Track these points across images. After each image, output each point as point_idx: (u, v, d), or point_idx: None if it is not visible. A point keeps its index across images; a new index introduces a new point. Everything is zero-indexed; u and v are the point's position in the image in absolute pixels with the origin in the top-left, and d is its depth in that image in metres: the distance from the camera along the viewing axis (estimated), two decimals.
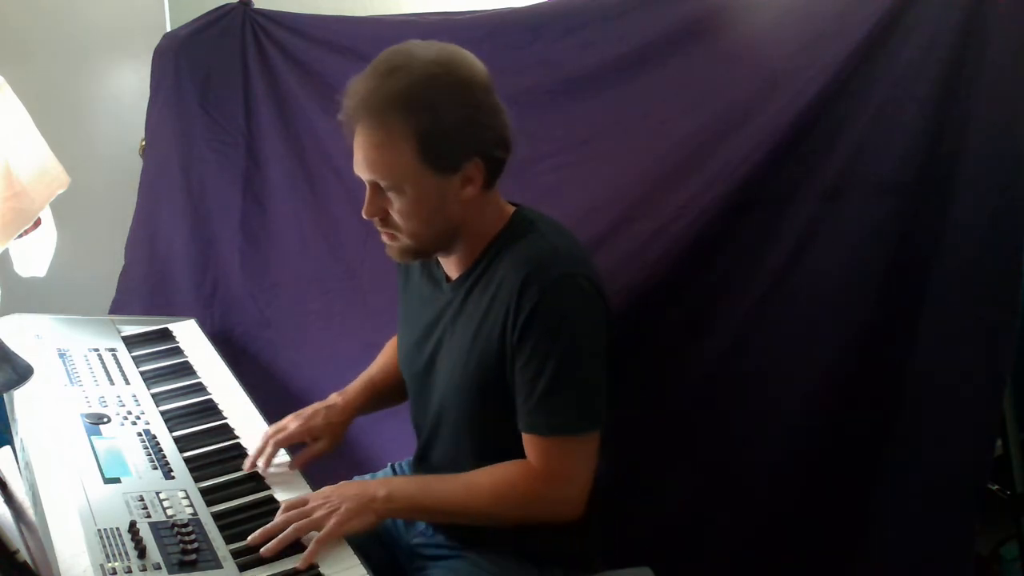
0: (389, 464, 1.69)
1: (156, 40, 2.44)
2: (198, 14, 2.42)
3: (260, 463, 1.49)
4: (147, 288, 2.40)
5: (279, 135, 2.28)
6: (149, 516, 1.33)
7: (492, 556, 1.43)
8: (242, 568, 1.26)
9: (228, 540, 1.31)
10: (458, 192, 1.32)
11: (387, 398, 1.63)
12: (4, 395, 1.67)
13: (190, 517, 1.34)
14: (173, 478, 1.45)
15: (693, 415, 1.67)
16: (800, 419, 1.59)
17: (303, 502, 1.34)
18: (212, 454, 1.56)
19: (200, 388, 1.79)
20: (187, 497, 1.39)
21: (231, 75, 2.33)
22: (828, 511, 1.59)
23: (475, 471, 1.37)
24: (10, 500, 1.36)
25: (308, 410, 1.55)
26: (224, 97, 2.34)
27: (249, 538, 1.29)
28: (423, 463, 1.53)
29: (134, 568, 1.21)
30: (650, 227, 1.65)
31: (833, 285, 1.53)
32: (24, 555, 1.15)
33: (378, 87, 1.27)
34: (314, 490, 1.46)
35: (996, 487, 1.96)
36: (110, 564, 1.21)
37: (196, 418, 1.67)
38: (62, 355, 1.82)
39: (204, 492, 1.43)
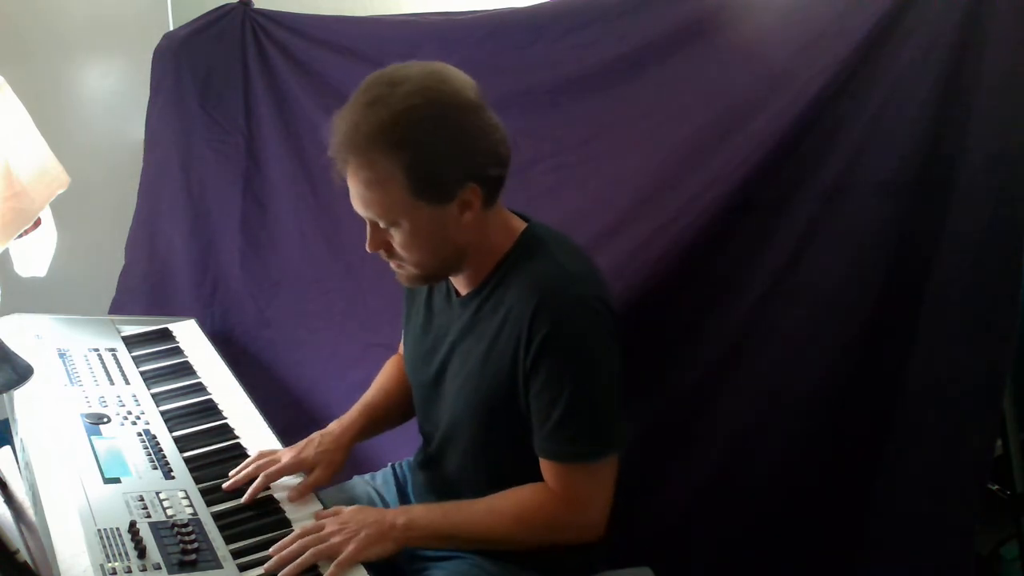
0: (389, 464, 1.69)
1: (157, 40, 2.45)
2: (200, 14, 2.42)
3: (246, 497, 1.42)
4: (147, 288, 2.41)
5: (279, 135, 2.29)
6: (149, 516, 1.33)
7: (493, 558, 1.43)
8: (242, 568, 1.26)
9: (228, 540, 1.31)
10: (457, 219, 1.29)
11: (387, 421, 1.59)
12: (4, 395, 1.66)
13: (190, 517, 1.34)
14: (173, 478, 1.45)
15: (693, 415, 1.67)
16: (800, 419, 1.59)
17: (320, 527, 1.32)
18: (212, 454, 1.56)
19: (200, 388, 1.79)
20: (187, 497, 1.39)
21: (231, 75, 2.34)
22: (828, 511, 1.59)
23: (495, 497, 1.35)
24: (10, 500, 1.36)
25: (303, 441, 1.49)
26: (224, 97, 2.34)
27: (265, 567, 1.26)
28: (430, 469, 1.52)
29: (134, 568, 1.21)
30: (650, 227, 1.65)
31: (833, 285, 1.53)
32: (24, 555, 1.15)
33: (359, 124, 1.24)
34: (318, 494, 1.46)
35: (996, 487, 1.96)
36: (110, 564, 1.21)
37: (196, 418, 1.67)
38: (62, 355, 1.82)
39: (204, 492, 1.43)
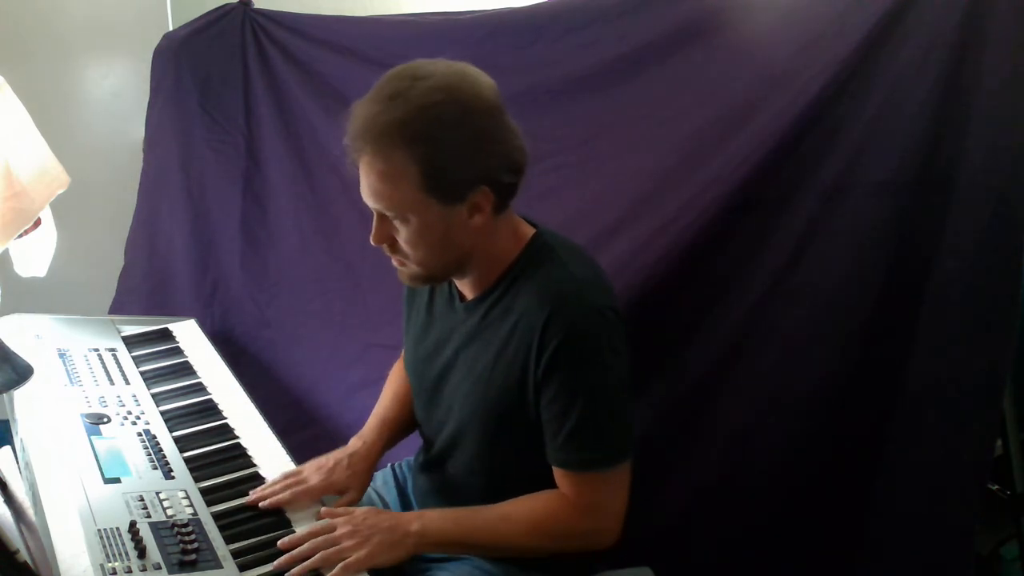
0: (389, 465, 1.69)
1: (157, 40, 2.45)
2: (200, 13, 2.42)
3: (267, 503, 1.39)
4: (147, 288, 2.40)
5: (279, 135, 2.29)
6: (149, 516, 1.33)
7: (494, 560, 1.42)
8: (242, 568, 1.26)
9: (228, 540, 1.31)
10: (466, 221, 1.28)
11: (402, 433, 1.57)
12: (4, 395, 1.66)
13: (190, 517, 1.34)
14: (173, 478, 1.45)
15: (693, 415, 1.67)
16: (800, 419, 1.59)
17: (331, 528, 1.30)
18: (212, 454, 1.56)
19: (200, 388, 1.79)
20: (187, 497, 1.39)
21: (231, 75, 2.33)
22: (828, 511, 1.59)
23: (509, 504, 1.34)
24: (10, 500, 1.36)
25: (329, 461, 1.45)
26: (224, 97, 2.34)
27: (274, 564, 1.26)
28: (432, 471, 1.51)
29: (134, 568, 1.21)
30: (650, 227, 1.65)
31: (833, 285, 1.54)
32: (24, 555, 1.15)
33: (379, 114, 1.23)
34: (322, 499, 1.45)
35: (996, 487, 1.96)
36: (110, 564, 1.21)
37: (196, 418, 1.67)
38: (62, 355, 1.82)
39: (204, 492, 1.42)
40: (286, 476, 1.44)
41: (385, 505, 1.60)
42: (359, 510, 1.35)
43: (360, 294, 2.14)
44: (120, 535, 1.27)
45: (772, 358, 1.60)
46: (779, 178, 1.56)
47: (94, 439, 1.51)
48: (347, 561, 1.24)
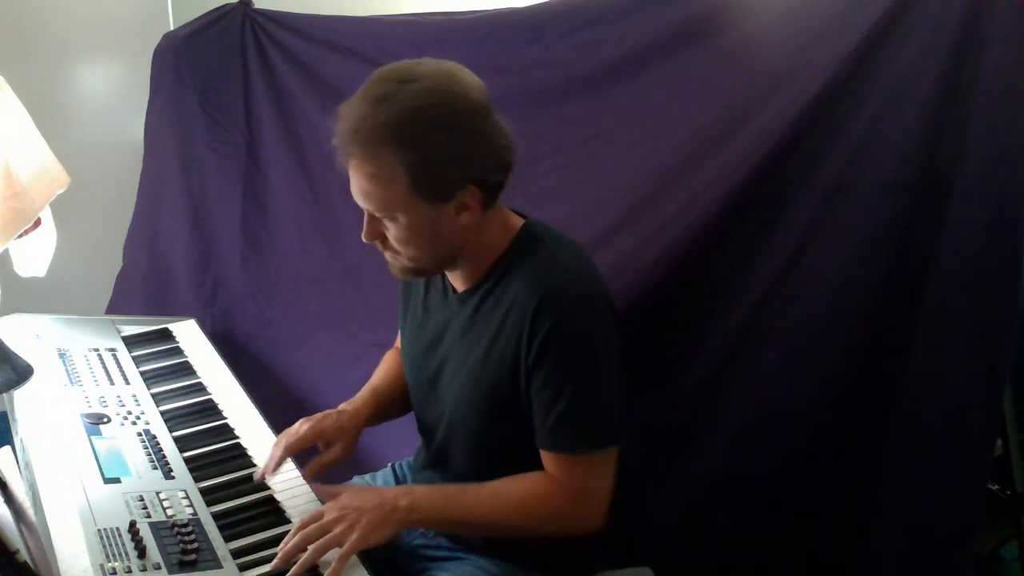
0: (389, 464, 1.69)
1: (157, 40, 2.45)
2: (200, 14, 2.42)
3: (270, 473, 1.44)
4: (147, 288, 2.41)
5: (279, 135, 2.29)
6: (149, 516, 1.33)
7: (494, 559, 1.43)
8: (242, 568, 1.26)
9: (228, 540, 1.31)
10: (453, 219, 1.29)
11: (391, 410, 1.59)
12: (4, 395, 1.66)
13: (190, 517, 1.34)
14: (173, 478, 1.45)
15: (693, 415, 1.67)
16: (800, 419, 1.59)
17: (319, 515, 1.30)
18: (212, 454, 1.56)
19: (200, 388, 1.79)
20: (187, 497, 1.39)
21: (231, 75, 2.34)
22: (828, 511, 1.59)
23: (499, 482, 1.35)
24: (10, 500, 1.36)
25: (318, 415, 1.49)
26: (224, 97, 2.34)
27: (271, 566, 1.26)
28: (432, 469, 1.52)
29: (134, 568, 1.21)
30: (650, 227, 1.65)
31: (833, 285, 1.53)
32: (24, 555, 1.15)
33: (367, 117, 1.24)
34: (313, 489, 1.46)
35: (996, 487, 1.96)
36: (110, 564, 1.21)
37: (196, 418, 1.67)
38: (62, 355, 1.82)
39: (204, 492, 1.43)
40: (280, 440, 1.47)
41: None
42: (344, 493, 1.34)
43: (360, 294, 2.14)
44: (120, 535, 1.27)
45: (772, 358, 1.60)
46: (779, 178, 1.56)
47: (94, 439, 1.52)
48: (342, 552, 1.25)
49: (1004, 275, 1.40)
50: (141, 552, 1.24)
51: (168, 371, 1.85)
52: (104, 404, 1.65)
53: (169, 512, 1.35)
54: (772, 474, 1.62)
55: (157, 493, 1.39)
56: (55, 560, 1.22)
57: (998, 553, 2.01)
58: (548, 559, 1.44)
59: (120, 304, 2.39)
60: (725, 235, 1.60)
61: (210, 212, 2.37)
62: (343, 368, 2.12)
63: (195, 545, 1.27)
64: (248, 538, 1.33)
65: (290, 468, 1.48)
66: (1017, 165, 1.37)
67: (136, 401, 1.69)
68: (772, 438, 1.61)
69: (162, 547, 1.26)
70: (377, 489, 1.40)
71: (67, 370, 1.76)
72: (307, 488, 1.45)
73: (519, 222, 1.39)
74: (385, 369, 1.63)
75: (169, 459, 1.50)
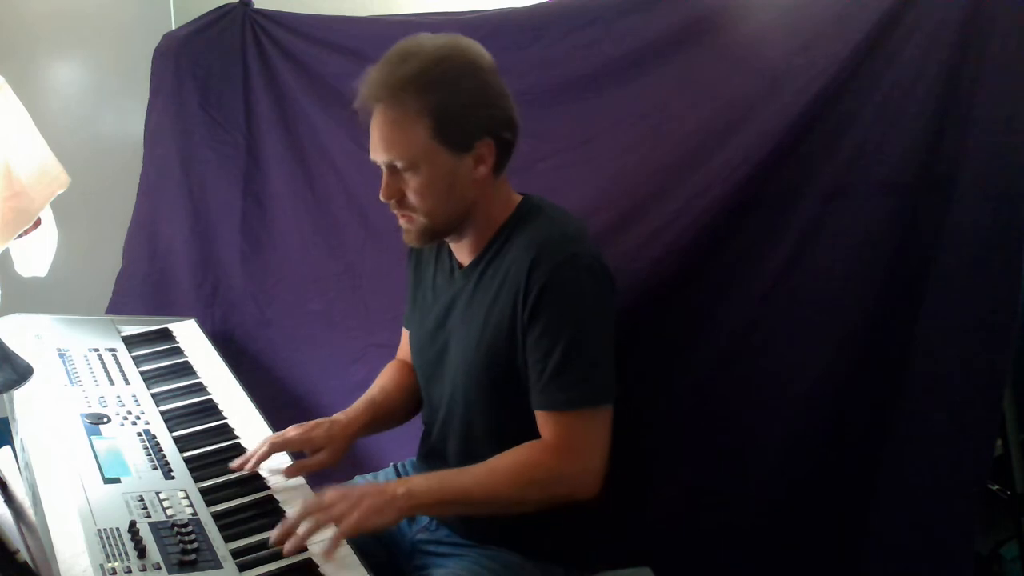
0: (391, 464, 1.69)
1: (157, 40, 2.45)
2: (200, 14, 2.42)
3: (250, 464, 1.47)
4: (147, 288, 2.41)
5: (279, 135, 2.29)
6: (149, 516, 1.33)
7: (494, 552, 1.43)
8: (242, 568, 1.26)
9: (228, 540, 1.31)
10: (471, 171, 1.36)
11: (388, 420, 1.60)
12: (4, 395, 1.66)
13: (190, 517, 1.34)
14: (173, 478, 1.45)
15: (693, 415, 1.67)
16: (800, 419, 1.59)
17: (321, 499, 1.31)
18: (212, 454, 1.56)
19: (200, 388, 1.79)
20: (187, 497, 1.40)
21: (231, 75, 2.33)
22: (828, 511, 1.59)
23: (493, 459, 1.37)
24: (10, 500, 1.36)
25: (309, 423, 1.51)
26: (224, 97, 2.34)
27: (272, 539, 1.28)
28: (431, 458, 1.53)
29: (134, 568, 1.21)
30: (650, 227, 1.65)
31: (833, 285, 1.53)
32: (24, 555, 1.15)
33: (393, 71, 1.33)
34: (313, 489, 1.46)
35: (996, 487, 1.96)
36: (110, 564, 1.21)
37: (196, 418, 1.67)
38: (62, 355, 1.82)
39: (204, 492, 1.43)
40: (267, 439, 1.49)
41: None
42: (347, 485, 1.37)
43: (360, 294, 2.14)
44: (120, 535, 1.27)
45: (772, 358, 1.59)
46: (779, 178, 1.56)
47: (94, 439, 1.52)
48: (337, 531, 1.26)
49: (1004, 275, 1.40)
50: (141, 552, 1.24)
51: (168, 371, 1.85)
52: (104, 404, 1.65)
53: (169, 512, 1.35)
54: (772, 474, 1.62)
55: (157, 493, 1.39)
56: (55, 560, 1.22)
57: (998, 553, 2.01)
58: (548, 555, 1.44)
59: (120, 304, 2.40)
60: (725, 235, 1.60)
61: (210, 212, 2.37)
62: (343, 368, 2.12)
63: (195, 545, 1.27)
64: (248, 538, 1.33)
65: (290, 467, 1.49)
66: (1017, 165, 1.37)
67: (136, 401, 1.69)
68: (772, 438, 1.61)
69: (162, 547, 1.26)
70: (375, 483, 1.41)
71: (67, 370, 1.76)
72: (307, 488, 1.46)
73: (519, 197, 1.47)
74: (383, 381, 1.64)
75: (169, 459, 1.50)
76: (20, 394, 1.61)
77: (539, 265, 1.34)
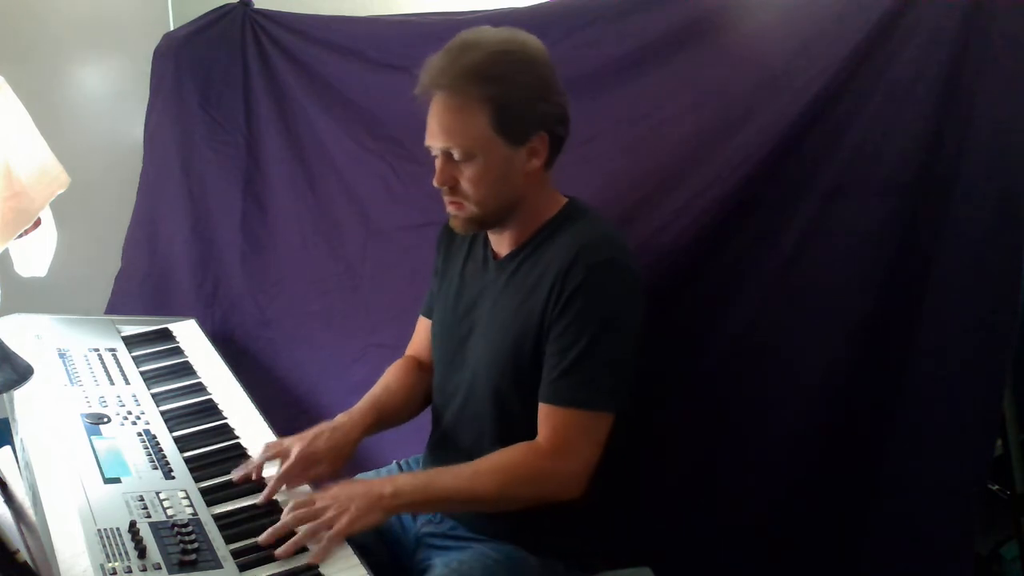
0: (395, 461, 1.69)
1: (157, 40, 2.45)
2: (200, 14, 2.42)
3: (263, 498, 1.42)
4: (147, 288, 2.41)
5: (279, 135, 2.29)
6: (149, 516, 1.33)
7: (497, 545, 1.44)
8: (242, 568, 1.26)
9: (228, 540, 1.31)
10: (524, 164, 1.39)
11: (392, 419, 1.60)
12: (4, 395, 1.66)
13: (190, 517, 1.34)
14: (173, 478, 1.45)
15: (693, 415, 1.67)
16: (800, 419, 1.59)
17: (310, 502, 1.33)
18: (212, 454, 1.56)
19: (200, 388, 1.79)
20: (187, 497, 1.39)
21: (231, 75, 2.34)
22: (828, 511, 1.59)
23: (480, 459, 1.38)
24: (10, 500, 1.36)
25: (311, 432, 1.48)
26: (224, 97, 2.35)
27: (261, 539, 1.29)
28: (440, 449, 1.53)
29: (134, 568, 1.21)
30: (650, 227, 1.65)
31: (833, 285, 1.53)
32: (24, 555, 1.15)
33: (455, 60, 1.35)
34: (313, 486, 1.46)
35: (996, 487, 1.96)
36: (110, 564, 1.21)
37: (196, 418, 1.67)
38: (62, 355, 1.82)
39: (204, 492, 1.43)
40: (267, 448, 1.48)
41: None
42: (335, 485, 1.37)
43: (360, 294, 2.14)
44: (120, 535, 1.27)
45: (772, 358, 1.59)
46: (779, 178, 1.56)
47: (94, 439, 1.52)
48: (331, 532, 1.27)
49: (1004, 275, 1.39)
50: (141, 552, 1.24)
51: (168, 371, 1.85)
52: (104, 404, 1.65)
53: (169, 512, 1.35)
54: (772, 474, 1.62)
55: (157, 493, 1.39)
56: (55, 560, 1.22)
57: (998, 553, 2.01)
58: (548, 549, 1.44)
59: (120, 304, 2.40)
60: (725, 235, 1.60)
61: (210, 212, 2.37)
62: (343, 368, 2.12)
63: (195, 545, 1.27)
64: (248, 538, 1.33)
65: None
66: (1017, 165, 1.37)
67: (136, 401, 1.69)
68: (772, 438, 1.61)
69: (162, 547, 1.26)
70: (364, 480, 1.42)
71: (67, 370, 1.76)
72: (307, 489, 1.46)
73: (565, 198, 1.49)
74: (387, 380, 1.63)
75: (169, 459, 1.50)
76: (20, 394, 1.61)
77: (576, 264, 1.35)
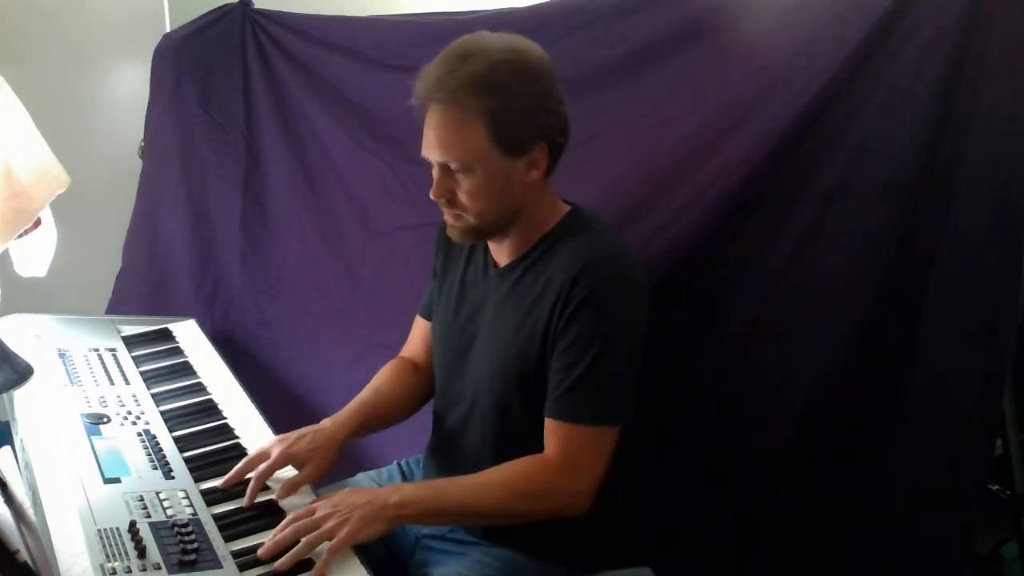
0: (395, 462, 1.69)
1: (156, 40, 2.45)
2: (198, 14, 2.42)
3: (246, 501, 1.41)
4: (147, 288, 2.41)
5: (279, 135, 2.29)
6: (149, 516, 1.33)
7: (497, 550, 1.44)
8: (242, 568, 1.26)
9: (228, 540, 1.31)
10: (523, 175, 1.36)
11: (381, 422, 1.59)
12: (4, 395, 1.66)
13: (190, 517, 1.34)
14: (173, 478, 1.45)
15: (693, 414, 1.67)
16: (800, 419, 1.59)
17: (311, 512, 1.31)
18: (212, 454, 1.56)
19: (200, 388, 1.79)
20: (187, 497, 1.39)
21: (231, 75, 2.34)
22: (828, 511, 1.59)
23: (488, 471, 1.37)
24: (10, 500, 1.36)
25: (293, 434, 1.47)
26: (224, 97, 2.35)
27: (260, 553, 1.27)
28: (441, 454, 1.53)
29: (134, 568, 1.21)
30: (650, 227, 1.65)
31: (833, 285, 1.53)
32: (24, 555, 1.15)
33: (453, 70, 1.31)
34: (315, 490, 1.46)
35: (996, 487, 1.96)
36: (110, 564, 1.21)
37: (196, 418, 1.67)
38: (62, 355, 1.82)
39: (204, 492, 1.43)
40: (249, 458, 1.46)
41: None
42: (337, 493, 1.35)
43: (360, 294, 2.14)
44: (120, 535, 1.27)
45: (772, 358, 1.59)
46: (779, 178, 1.56)
47: (94, 439, 1.52)
48: (332, 544, 1.26)
49: (1004, 275, 1.39)
50: (141, 552, 1.24)
51: (168, 371, 1.85)
52: (104, 404, 1.65)
53: (169, 512, 1.35)
54: (771, 474, 1.62)
55: (157, 493, 1.39)
56: (55, 560, 1.22)
57: (998, 553, 2.01)
58: (550, 553, 1.44)
59: (120, 304, 2.40)
60: (725, 235, 1.60)
61: (210, 212, 2.37)
62: (343, 368, 2.12)
63: (195, 545, 1.27)
64: (248, 539, 1.33)
65: (290, 469, 1.48)
66: (1017, 165, 1.37)
67: (136, 401, 1.69)
68: (771, 438, 1.61)
69: (162, 547, 1.26)
70: (368, 489, 1.40)
71: (67, 370, 1.76)
72: (307, 489, 1.45)
73: (567, 206, 1.47)
74: (378, 382, 1.62)
75: (169, 459, 1.50)
76: (20, 394, 1.61)
77: (583, 278, 1.33)
